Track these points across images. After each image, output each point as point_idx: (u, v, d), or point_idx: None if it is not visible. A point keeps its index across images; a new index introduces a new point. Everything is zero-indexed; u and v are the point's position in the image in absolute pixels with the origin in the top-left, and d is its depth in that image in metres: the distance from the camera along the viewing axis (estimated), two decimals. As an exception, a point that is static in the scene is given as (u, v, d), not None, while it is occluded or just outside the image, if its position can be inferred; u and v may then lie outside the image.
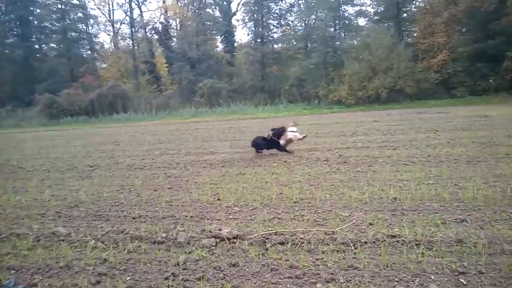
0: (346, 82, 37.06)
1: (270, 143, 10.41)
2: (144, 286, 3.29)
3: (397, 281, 3.13)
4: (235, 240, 4.13)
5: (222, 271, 3.48)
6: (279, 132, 10.54)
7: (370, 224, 4.51)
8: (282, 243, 4.03)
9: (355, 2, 46.49)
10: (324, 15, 44.71)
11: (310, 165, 8.60)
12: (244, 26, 54.43)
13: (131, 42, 57.53)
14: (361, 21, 48.03)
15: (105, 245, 4.27)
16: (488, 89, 33.20)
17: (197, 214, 5.26)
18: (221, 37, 54.08)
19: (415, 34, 42.89)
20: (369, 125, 17.27)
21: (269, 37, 49.49)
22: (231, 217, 5.06)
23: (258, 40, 48.56)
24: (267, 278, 3.29)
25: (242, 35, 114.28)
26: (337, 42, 42.73)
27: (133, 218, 5.23)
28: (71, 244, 4.35)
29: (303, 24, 49.50)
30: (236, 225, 4.65)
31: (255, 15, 49.78)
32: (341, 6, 44.56)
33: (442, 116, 20.20)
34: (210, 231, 4.40)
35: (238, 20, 75.47)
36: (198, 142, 14.77)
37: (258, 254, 3.79)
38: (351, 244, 3.91)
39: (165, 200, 6.09)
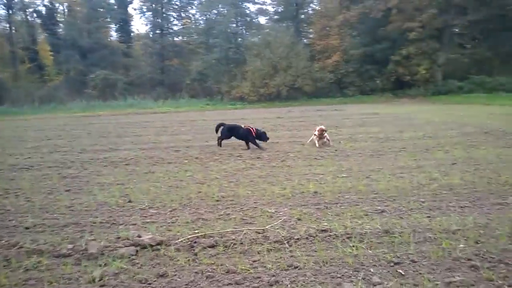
0: (248, 78, 37.46)
1: (242, 133, 10.08)
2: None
3: (340, 277, 3.01)
4: (158, 247, 3.65)
5: (149, 284, 2.99)
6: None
7: (299, 219, 4.39)
8: (212, 246, 3.67)
9: (256, 0, 47.27)
10: (226, 11, 44.67)
11: (224, 161, 8.34)
12: (142, 16, 51.88)
13: (7, 25, 50.66)
14: (262, 20, 49.08)
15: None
16: (375, 89, 36.31)
17: (106, 219, 4.61)
18: (116, 25, 50.78)
19: (311, 36, 45.02)
20: (274, 121, 17.60)
21: (169, 29, 47.90)
22: (148, 220, 4.53)
23: (157, 31, 46.68)
24: (205, 287, 2.92)
25: (140, 25, 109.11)
26: (239, 39, 43.04)
27: (26, 228, 4.39)
28: None
29: (204, 18, 48.92)
30: (156, 230, 4.15)
31: (153, 5, 47.70)
32: (243, 3, 44.93)
33: (338, 113, 21.46)
34: (128, 238, 3.84)
35: (135, 9, 71.65)
36: (93, 138, 13.44)
37: (188, 261, 3.38)
38: (285, 242, 3.72)
39: (65, 205, 5.26)
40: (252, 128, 10.08)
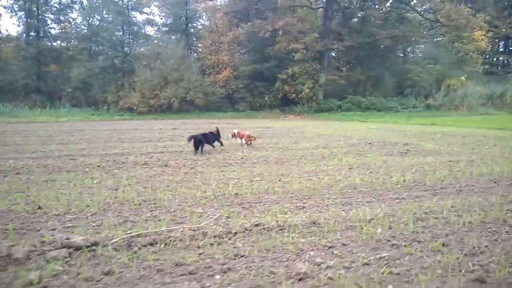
0: (137, 89, 36.23)
1: (213, 138, 11.16)
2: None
3: (286, 261, 3.23)
4: (94, 247, 3.45)
5: (97, 281, 2.83)
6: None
7: (228, 217, 4.51)
8: (151, 244, 3.58)
9: (143, 10, 46.13)
10: (112, 18, 42.73)
11: (130, 169, 8.03)
12: (13, 15, 46.39)
13: None
14: (149, 30, 48.05)
15: None
16: (264, 105, 38.03)
17: (19, 225, 4.14)
18: (-21, 24, 44.83)
19: (201, 50, 45.51)
20: (171, 132, 17.41)
21: (47, 33, 43.81)
22: (69, 225, 4.20)
23: (32, 33, 42.31)
24: (158, 279, 2.87)
25: (10, 26, 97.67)
26: (126, 48, 41.45)
27: None
28: None
29: (85, 23, 46.06)
30: (83, 233, 3.91)
31: (26, 5, 43.11)
32: (130, 11, 43.46)
33: (234, 126, 22.00)
34: (55, 241, 3.55)
35: (5, 7, 63.82)
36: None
37: (131, 258, 3.26)
38: (224, 236, 3.82)
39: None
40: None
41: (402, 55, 44.85)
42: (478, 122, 21.55)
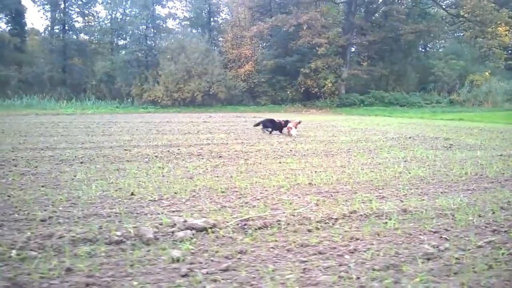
0: (161, 82, 36.68)
1: (278, 126, 13.62)
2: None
3: (402, 243, 3.41)
4: (214, 229, 3.72)
5: (238, 259, 3.08)
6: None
7: (317, 204, 4.72)
8: (264, 227, 3.82)
9: (166, 4, 46.49)
10: (135, 12, 43.19)
11: (188, 159, 8.32)
12: (41, 9, 47.23)
13: None
14: (171, 24, 48.37)
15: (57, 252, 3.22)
16: (286, 99, 38.19)
17: (126, 210, 4.44)
18: (6, 17, 45.58)
19: (222, 44, 45.69)
20: (203, 125, 17.65)
21: (72, 26, 44.55)
22: (173, 209, 4.48)
23: (57, 27, 43.08)
24: (293, 258, 3.09)
25: (36, 19, 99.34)
26: (150, 42, 41.91)
27: (43, 221, 4.04)
28: None
29: (109, 17, 46.65)
30: (194, 216, 4.17)
31: (53, -2, 43.84)
32: (154, 5, 43.84)
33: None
34: (174, 223, 3.82)
35: (33, 1, 64.71)
36: (14, 137, 12.34)
37: (254, 239, 3.53)
38: (327, 221, 4.02)
39: (59, 199, 4.88)
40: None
41: (425, 50, 44.46)
42: (506, 118, 21.39)
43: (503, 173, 6.80)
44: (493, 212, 4.41)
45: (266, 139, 12.22)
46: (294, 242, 3.42)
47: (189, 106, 36.73)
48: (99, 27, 47.02)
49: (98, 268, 2.91)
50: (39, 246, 3.30)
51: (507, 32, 41.01)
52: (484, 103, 31.61)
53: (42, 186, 5.60)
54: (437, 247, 3.32)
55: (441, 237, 3.61)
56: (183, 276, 2.79)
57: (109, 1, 46.51)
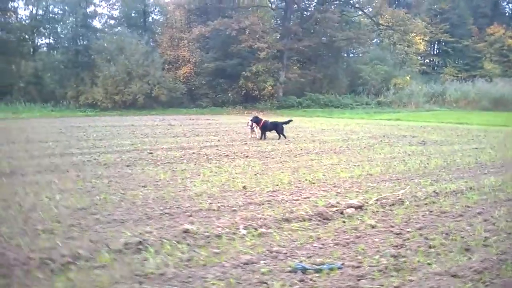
0: (100, 84, 35.44)
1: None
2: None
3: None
4: (370, 206, 4.79)
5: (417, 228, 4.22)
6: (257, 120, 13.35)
7: (402, 188, 5.97)
8: (394, 204, 4.99)
9: (97, 3, 44.64)
10: (63, 9, 41.00)
11: (222, 160, 8.93)
12: None
13: None
14: (103, 23, 46.55)
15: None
16: (227, 102, 39.11)
17: (266, 199, 5.29)
18: None
19: (160, 45, 45.07)
20: (182, 128, 17.90)
21: (-8, 23, 40.81)
22: (305, 196, 5.43)
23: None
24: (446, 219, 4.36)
25: None
26: (83, 41, 40.00)
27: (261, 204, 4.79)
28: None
29: (28, 14, 43.50)
30: (322, 201, 5.16)
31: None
32: (85, 3, 41.90)
33: (219, 123, 22.77)
34: (331, 204, 4.80)
35: None
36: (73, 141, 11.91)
37: (406, 211, 4.68)
38: (427, 199, 5.29)
39: (188, 195, 5.59)
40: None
41: (354, 55, 48.33)
42: (435, 117, 24.63)
43: (494, 161, 8.65)
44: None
45: (259, 141, 12.95)
46: (433, 210, 4.65)
47: (130, 109, 35.88)
48: (18, 24, 43.59)
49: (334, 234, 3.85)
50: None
51: (421, 40, 46.47)
52: (407, 104, 35.66)
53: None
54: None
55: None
56: (397, 234, 3.86)
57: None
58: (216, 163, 8.57)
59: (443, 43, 51.35)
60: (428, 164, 8.28)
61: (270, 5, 42.07)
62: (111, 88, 35.31)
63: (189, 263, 3.35)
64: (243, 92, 39.11)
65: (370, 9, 45.60)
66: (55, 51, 38.17)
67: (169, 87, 38.07)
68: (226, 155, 9.62)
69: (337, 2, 43.90)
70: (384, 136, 14.25)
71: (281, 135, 13.39)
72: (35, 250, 3.58)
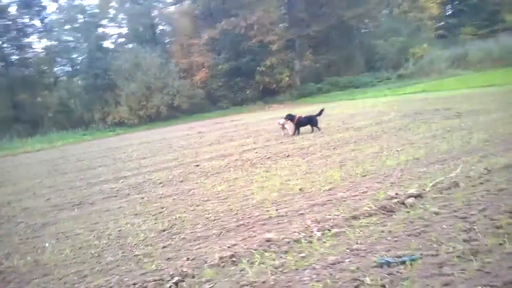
0: (123, 103, 36.61)
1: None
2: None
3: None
4: (429, 195, 5.11)
5: (484, 206, 4.51)
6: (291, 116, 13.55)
7: (453, 170, 6.24)
8: (450, 188, 5.28)
9: (106, 24, 45.84)
10: (76, 37, 42.25)
11: (266, 164, 9.24)
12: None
13: None
14: (116, 43, 47.78)
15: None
16: (247, 99, 39.66)
17: (338, 198, 5.65)
18: None
19: (173, 55, 45.95)
20: (213, 134, 18.48)
21: (13, 61, 42.56)
22: (361, 191, 5.76)
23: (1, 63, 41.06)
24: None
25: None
26: (101, 64, 41.15)
27: (324, 205, 5.21)
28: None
29: (44, 46, 45.14)
30: (388, 190, 5.51)
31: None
32: (96, 28, 43.17)
33: (244, 123, 23.11)
34: (397, 194, 5.16)
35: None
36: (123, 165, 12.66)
37: (464, 193, 4.99)
38: (477, 181, 5.51)
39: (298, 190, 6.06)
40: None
41: (366, 31, 47.73)
42: (461, 83, 24.30)
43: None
44: None
45: (293, 137, 13.20)
46: (490, 189, 4.93)
47: (155, 121, 36.95)
48: (35, 58, 45.25)
49: (403, 225, 4.21)
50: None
51: (433, 3, 45.52)
52: (429, 73, 35.09)
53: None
54: None
55: None
56: (462, 218, 4.19)
57: (44, 29, 44.98)
58: (261, 167, 8.96)
59: (457, 2, 49.71)
60: (470, 138, 8.39)
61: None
62: (134, 104, 36.45)
63: (283, 269, 3.77)
64: (261, 88, 39.57)
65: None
66: (75, 78, 39.33)
67: (188, 94, 38.95)
68: (268, 158, 9.96)
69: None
70: (416, 113, 14.16)
71: (316, 128, 13.55)
72: (146, 273, 4.10)
